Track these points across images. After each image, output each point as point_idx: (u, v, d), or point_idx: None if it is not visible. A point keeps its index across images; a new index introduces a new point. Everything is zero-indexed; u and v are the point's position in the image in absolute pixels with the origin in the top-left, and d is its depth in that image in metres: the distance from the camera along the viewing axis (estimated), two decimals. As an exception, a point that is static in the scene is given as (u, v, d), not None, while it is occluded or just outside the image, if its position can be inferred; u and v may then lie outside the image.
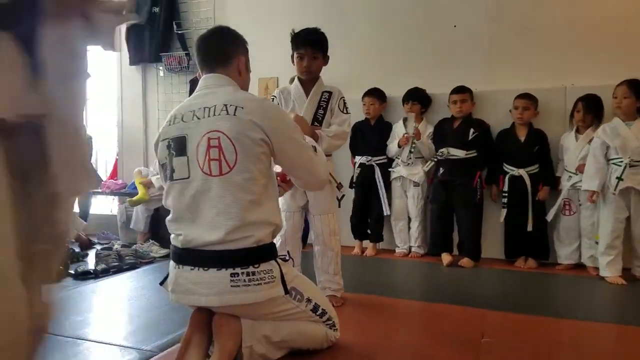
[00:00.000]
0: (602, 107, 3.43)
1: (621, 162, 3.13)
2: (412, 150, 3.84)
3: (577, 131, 3.51)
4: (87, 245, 4.24)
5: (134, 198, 4.35)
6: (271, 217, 1.72)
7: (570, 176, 3.49)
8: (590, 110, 3.42)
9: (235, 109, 1.68)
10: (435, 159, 3.79)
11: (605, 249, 3.18)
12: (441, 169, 3.75)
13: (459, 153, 3.69)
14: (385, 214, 3.94)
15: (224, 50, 1.86)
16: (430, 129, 3.92)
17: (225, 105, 1.69)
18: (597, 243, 3.29)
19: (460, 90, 3.76)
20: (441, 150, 3.74)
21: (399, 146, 3.88)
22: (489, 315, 2.43)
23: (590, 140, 3.33)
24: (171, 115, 1.81)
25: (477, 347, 2.02)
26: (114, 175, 5.32)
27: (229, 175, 1.65)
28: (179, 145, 1.72)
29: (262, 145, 1.68)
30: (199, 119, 1.71)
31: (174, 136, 1.74)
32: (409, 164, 3.90)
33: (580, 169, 3.38)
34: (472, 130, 3.69)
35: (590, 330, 2.29)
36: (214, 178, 1.66)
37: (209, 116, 1.69)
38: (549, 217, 3.53)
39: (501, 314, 2.46)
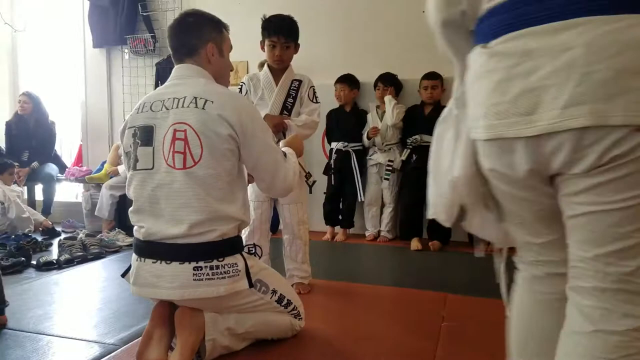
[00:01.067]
0: None
1: None
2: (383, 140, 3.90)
3: None
4: (51, 231, 4.15)
5: (93, 175, 4.40)
6: (236, 214, 1.70)
7: None
8: None
9: (205, 103, 1.64)
10: (411, 147, 3.79)
11: None
12: (414, 155, 3.76)
13: (431, 140, 3.69)
14: (359, 199, 3.95)
15: (188, 43, 1.79)
16: (398, 109, 3.87)
17: (195, 97, 1.65)
18: None
19: (432, 76, 3.77)
20: (414, 137, 3.77)
21: (369, 138, 3.92)
22: (451, 299, 2.48)
23: None
24: (140, 103, 1.77)
25: (437, 331, 2.06)
26: (78, 161, 5.18)
27: (193, 170, 1.62)
28: (145, 135, 1.68)
29: (229, 142, 1.64)
30: (167, 109, 1.66)
31: (140, 125, 1.70)
32: (385, 150, 3.92)
33: None
34: None
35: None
36: (178, 171, 1.62)
37: (177, 107, 1.65)
38: None
39: (462, 298, 2.51)
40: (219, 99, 1.66)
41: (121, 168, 4.26)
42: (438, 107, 3.77)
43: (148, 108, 1.71)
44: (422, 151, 3.72)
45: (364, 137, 3.98)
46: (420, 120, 3.80)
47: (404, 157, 3.83)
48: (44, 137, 4.76)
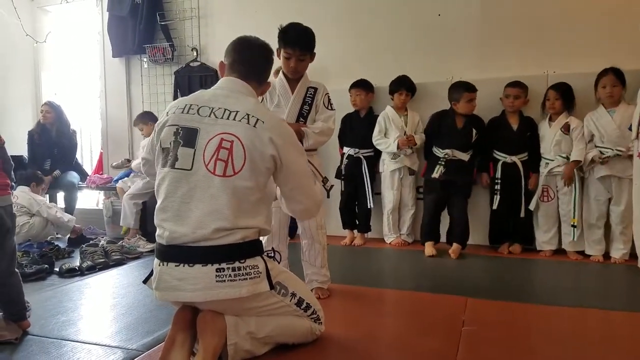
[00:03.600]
0: (573, 94, 3.47)
1: (606, 149, 3.31)
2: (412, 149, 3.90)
3: (550, 119, 3.56)
4: (80, 235, 4.21)
5: None
6: (260, 224, 1.75)
7: (547, 163, 3.55)
8: (561, 98, 3.47)
9: (257, 121, 1.71)
10: (443, 162, 3.62)
11: (590, 229, 3.41)
12: (442, 168, 3.63)
13: (463, 156, 3.64)
14: (369, 206, 3.93)
15: (260, 67, 1.94)
16: (418, 117, 3.91)
17: (248, 115, 1.72)
18: (573, 226, 3.40)
19: (475, 89, 3.59)
20: (445, 151, 3.62)
21: (399, 148, 3.81)
22: (471, 303, 2.46)
23: (563, 126, 3.44)
24: (185, 103, 1.79)
25: (458, 336, 2.04)
26: (99, 169, 5.27)
27: (231, 179, 1.66)
28: (188, 136, 1.71)
29: (270, 162, 1.72)
30: (217, 117, 1.72)
31: (185, 126, 1.73)
32: (409, 153, 3.91)
33: None
34: (474, 132, 3.64)
35: (569, 316, 2.33)
36: (216, 177, 1.66)
37: (227, 119, 1.71)
38: (532, 205, 3.56)
39: (483, 302, 2.49)
40: (269, 121, 1.75)
41: (139, 181, 4.29)
42: (470, 120, 3.66)
43: (195, 111, 1.75)
44: (452, 165, 3.63)
45: (381, 141, 3.90)
46: (453, 133, 3.66)
47: (436, 174, 3.63)
48: (65, 145, 4.85)
